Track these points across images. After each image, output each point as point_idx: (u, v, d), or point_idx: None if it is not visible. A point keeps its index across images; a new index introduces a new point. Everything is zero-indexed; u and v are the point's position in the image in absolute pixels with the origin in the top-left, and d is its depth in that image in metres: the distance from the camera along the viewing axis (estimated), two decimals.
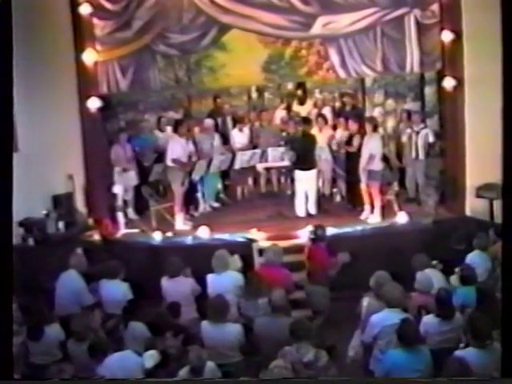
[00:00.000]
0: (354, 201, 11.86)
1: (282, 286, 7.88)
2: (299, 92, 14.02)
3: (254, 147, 12.53)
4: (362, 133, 11.38)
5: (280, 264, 9.00)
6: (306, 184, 11.56)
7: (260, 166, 12.75)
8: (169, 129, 12.59)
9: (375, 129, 11.33)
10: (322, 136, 12.20)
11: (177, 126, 11.63)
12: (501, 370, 5.25)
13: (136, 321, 7.53)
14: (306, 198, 11.61)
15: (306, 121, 12.15)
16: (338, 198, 12.65)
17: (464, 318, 6.87)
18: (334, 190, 12.76)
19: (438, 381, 6.13)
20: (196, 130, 12.37)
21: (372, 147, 11.07)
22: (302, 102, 13.93)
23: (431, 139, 11.76)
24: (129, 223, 11.70)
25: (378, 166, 11.13)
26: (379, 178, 11.25)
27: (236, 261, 9.54)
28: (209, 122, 12.55)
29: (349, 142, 11.66)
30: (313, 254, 9.47)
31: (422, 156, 11.81)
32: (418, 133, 11.78)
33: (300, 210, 11.63)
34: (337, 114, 13.38)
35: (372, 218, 11.27)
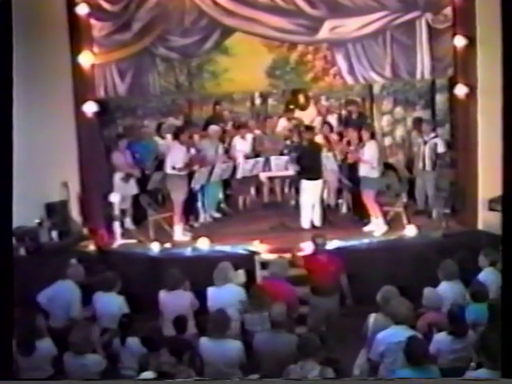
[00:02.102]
0: (360, 212, 11.61)
1: (286, 302, 7.68)
2: (301, 98, 13.86)
3: (257, 155, 12.34)
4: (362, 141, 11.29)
5: (284, 278, 8.78)
6: (313, 194, 11.35)
7: (263, 175, 12.53)
8: (169, 136, 12.44)
9: (372, 136, 11.23)
10: (327, 144, 12.02)
11: (178, 132, 11.49)
12: (501, 370, 5.19)
13: (131, 336, 7.42)
14: (311, 208, 11.39)
15: (310, 129, 12.00)
16: (344, 209, 12.45)
17: (476, 336, 6.71)
18: (340, 200, 12.56)
19: (440, 381, 6.17)
20: (196, 137, 12.13)
21: (367, 154, 10.93)
22: (303, 108, 13.81)
23: (441, 149, 11.54)
24: (125, 233, 11.51)
25: (372, 173, 10.97)
26: (374, 186, 11.08)
27: (240, 275, 9.41)
28: (213, 128, 12.40)
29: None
30: (310, 264, 9.14)
31: (431, 167, 11.61)
32: (427, 142, 11.60)
33: (305, 222, 11.41)
34: (343, 122, 13.29)
35: (377, 231, 11.03)
